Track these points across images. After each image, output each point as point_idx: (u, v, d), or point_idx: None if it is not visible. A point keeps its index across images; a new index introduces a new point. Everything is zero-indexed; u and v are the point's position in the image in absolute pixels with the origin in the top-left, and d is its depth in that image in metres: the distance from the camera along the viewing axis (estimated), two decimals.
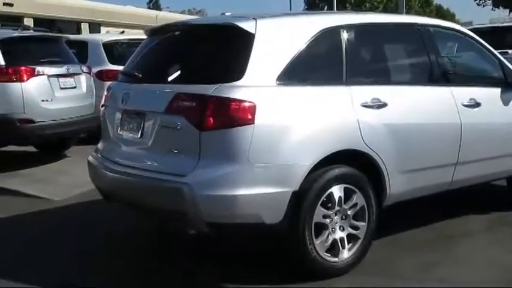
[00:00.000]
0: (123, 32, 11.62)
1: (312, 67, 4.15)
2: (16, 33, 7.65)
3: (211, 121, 3.66)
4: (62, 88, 7.56)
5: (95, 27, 24.77)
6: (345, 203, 4.02)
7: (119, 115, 4.40)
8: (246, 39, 3.87)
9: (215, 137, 3.68)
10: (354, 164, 4.08)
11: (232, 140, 3.66)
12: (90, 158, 4.73)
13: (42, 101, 7.26)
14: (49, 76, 7.39)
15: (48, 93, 7.34)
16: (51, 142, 8.40)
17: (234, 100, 3.66)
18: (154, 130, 3.95)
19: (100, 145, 4.78)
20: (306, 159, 3.81)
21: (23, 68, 7.14)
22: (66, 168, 7.78)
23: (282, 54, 3.94)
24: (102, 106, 4.78)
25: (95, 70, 8.91)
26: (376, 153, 4.12)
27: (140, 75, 4.26)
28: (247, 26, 3.90)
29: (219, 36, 4.02)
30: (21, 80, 7.06)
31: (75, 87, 7.83)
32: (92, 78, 8.36)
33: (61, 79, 7.58)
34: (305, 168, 3.80)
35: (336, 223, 4.00)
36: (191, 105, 3.75)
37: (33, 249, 4.77)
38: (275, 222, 3.75)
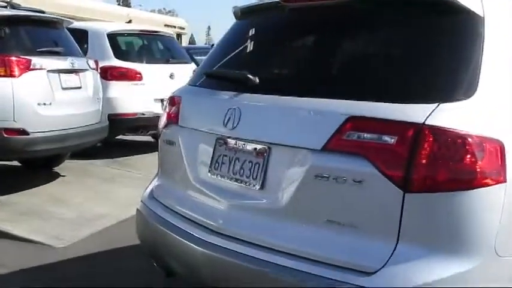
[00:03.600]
0: (130, 21, 9.73)
1: None
2: (5, 12, 5.68)
3: (431, 175, 1.91)
4: (64, 88, 5.66)
5: None
6: None
7: (206, 147, 2.61)
8: (471, 26, 2.15)
9: (435, 204, 1.95)
10: None
11: (469, 212, 1.92)
12: (144, 209, 2.93)
13: (39, 104, 5.35)
14: (48, 71, 5.48)
15: (47, 94, 5.43)
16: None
17: (473, 137, 1.92)
18: (297, 181, 2.17)
19: (160, 189, 2.99)
20: None
21: (14, 58, 5.21)
22: (63, 194, 5.89)
23: None
24: (164, 127, 2.96)
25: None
26: None
27: (257, 80, 2.45)
28: (470, 3, 2.16)
29: (416, 17, 2.25)
30: (11, 75, 5.14)
31: (79, 88, 5.93)
32: (98, 75, 6.45)
33: (63, 76, 5.68)
34: None
35: None
36: (384, 141, 1.98)
37: None
38: None
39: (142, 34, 8.45)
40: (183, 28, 33.86)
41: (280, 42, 2.70)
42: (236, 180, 2.43)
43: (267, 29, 2.79)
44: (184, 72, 8.24)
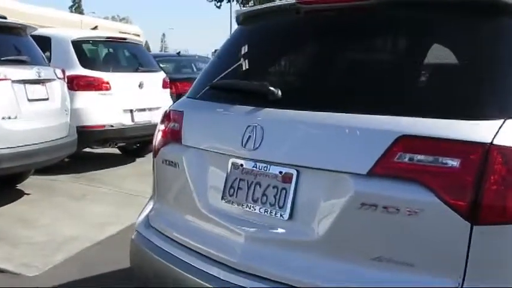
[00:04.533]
0: (95, 28, 9.25)
1: None
2: None
3: (503, 203, 1.65)
4: (30, 100, 5.21)
5: None
6: None
7: (218, 169, 2.29)
8: None
9: (508, 237, 1.65)
10: None
11: None
12: (140, 240, 2.58)
13: (3, 118, 4.90)
14: (13, 82, 5.03)
15: (12, 107, 4.99)
16: None
17: None
18: (337, 210, 1.88)
19: (158, 216, 2.64)
20: None
21: None
22: (30, 215, 5.43)
23: None
24: (162, 145, 2.61)
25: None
26: None
27: (279, 93, 2.14)
28: None
29: (468, 21, 1.97)
30: None
31: (47, 99, 5.49)
32: (66, 86, 6.01)
33: (29, 87, 5.23)
34: None
35: None
36: (443, 164, 1.71)
37: None
38: None
39: (109, 41, 8.01)
40: (137, 35, 33.20)
41: (301, 49, 2.40)
42: (258, 208, 2.11)
43: (280, 34, 2.48)
44: (154, 81, 7.88)
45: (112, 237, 4.87)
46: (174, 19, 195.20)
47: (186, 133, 2.48)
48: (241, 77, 2.45)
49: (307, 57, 2.33)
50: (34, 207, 5.69)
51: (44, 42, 7.06)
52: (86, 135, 6.90)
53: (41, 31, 7.10)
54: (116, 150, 8.72)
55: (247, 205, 2.15)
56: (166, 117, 2.68)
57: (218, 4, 40.65)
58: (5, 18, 5.77)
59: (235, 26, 2.77)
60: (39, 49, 5.90)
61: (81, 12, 69.86)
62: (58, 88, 5.73)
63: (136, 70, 7.83)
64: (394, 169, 1.77)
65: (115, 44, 8.06)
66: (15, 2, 18.26)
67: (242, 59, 2.55)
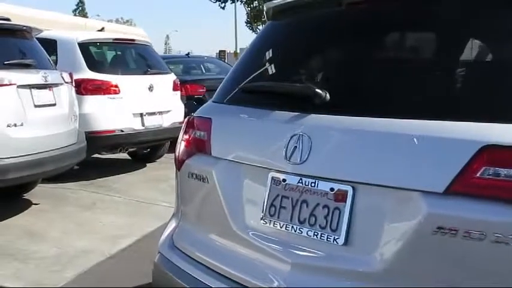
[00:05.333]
0: (102, 29, 8.95)
1: None
2: None
3: None
4: (36, 106, 4.93)
5: None
6: None
7: (256, 185, 1.99)
8: None
9: None
10: None
11: None
12: (164, 263, 2.30)
13: (9, 126, 4.61)
14: (18, 87, 4.75)
15: (18, 113, 4.71)
16: None
17: None
18: (406, 235, 1.58)
19: (184, 236, 2.34)
20: None
21: None
22: (39, 227, 5.16)
23: None
24: (187, 157, 2.31)
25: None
26: None
27: (327, 96, 1.83)
28: None
29: None
30: None
31: (54, 105, 5.20)
32: (74, 90, 5.73)
33: (35, 92, 4.95)
34: None
35: None
36: None
37: None
38: None
39: (117, 43, 7.70)
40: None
41: (346, 46, 2.08)
42: (305, 231, 1.82)
43: (319, 29, 2.17)
44: (164, 84, 7.60)
45: (125, 250, 4.61)
46: (177, 21, 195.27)
47: (215, 143, 2.18)
48: (277, 78, 2.15)
49: (355, 55, 2.01)
50: (43, 219, 5.42)
51: (50, 45, 6.79)
52: (95, 141, 6.61)
53: (46, 33, 6.81)
54: (125, 156, 8.45)
55: (292, 227, 1.86)
56: (190, 124, 2.38)
57: (222, 5, 40.42)
58: (9, 20, 5.49)
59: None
60: (45, 52, 5.61)
61: (85, 16, 69.90)
62: (66, 93, 5.45)
63: (145, 72, 7.54)
64: (477, 186, 1.47)
65: (123, 45, 7.76)
66: (17, 6, 17.96)
67: (276, 58, 2.25)
